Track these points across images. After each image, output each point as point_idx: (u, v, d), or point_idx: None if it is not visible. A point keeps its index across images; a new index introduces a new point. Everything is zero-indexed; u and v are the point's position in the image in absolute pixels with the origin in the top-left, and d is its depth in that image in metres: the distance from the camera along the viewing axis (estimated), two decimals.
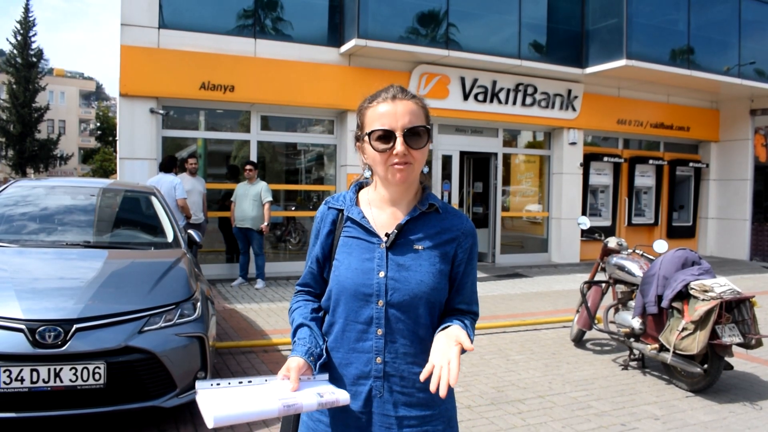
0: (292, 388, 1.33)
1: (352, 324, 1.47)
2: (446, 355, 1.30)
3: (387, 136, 1.43)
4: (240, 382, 1.33)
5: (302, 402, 1.29)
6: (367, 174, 1.56)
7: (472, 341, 1.40)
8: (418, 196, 1.54)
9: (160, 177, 7.35)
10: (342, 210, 1.54)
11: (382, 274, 1.45)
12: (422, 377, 1.30)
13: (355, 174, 1.57)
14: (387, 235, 1.48)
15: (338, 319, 1.50)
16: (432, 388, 1.26)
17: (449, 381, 1.25)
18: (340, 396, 1.35)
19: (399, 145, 1.42)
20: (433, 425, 1.48)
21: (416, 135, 1.44)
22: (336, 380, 1.46)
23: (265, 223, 7.97)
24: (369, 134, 1.45)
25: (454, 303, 1.54)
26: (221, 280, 8.62)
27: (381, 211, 1.52)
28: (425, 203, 1.52)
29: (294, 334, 1.51)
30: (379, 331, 1.45)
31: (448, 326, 1.42)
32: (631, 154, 12.65)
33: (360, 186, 1.61)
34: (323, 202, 1.61)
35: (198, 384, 1.30)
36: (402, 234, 1.49)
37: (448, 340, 1.35)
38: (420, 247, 1.48)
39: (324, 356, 1.48)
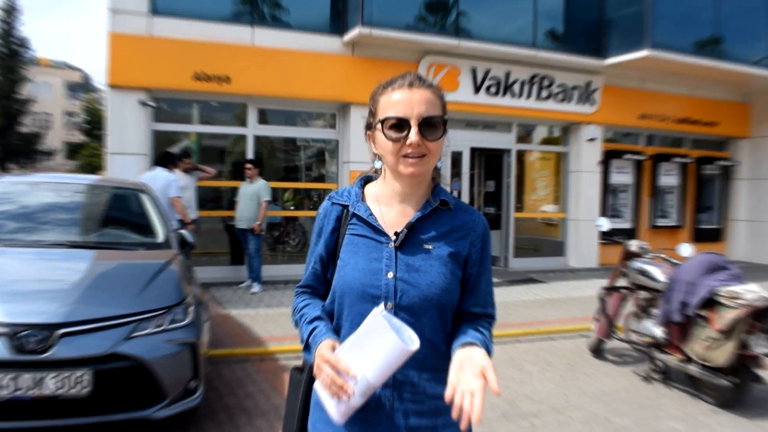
0: (345, 369, 1.33)
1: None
2: (470, 385, 1.25)
3: (401, 124, 1.42)
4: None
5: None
6: (378, 165, 1.54)
7: (491, 353, 1.39)
8: (429, 192, 1.52)
9: (156, 173, 7.35)
10: (347, 206, 1.53)
11: (390, 275, 1.43)
12: (447, 398, 1.26)
13: (359, 171, 1.55)
14: (396, 233, 1.47)
15: (344, 323, 1.48)
16: (454, 414, 1.24)
17: (472, 418, 1.21)
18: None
19: (413, 135, 1.41)
20: None
21: (432, 126, 1.44)
22: None
23: (258, 222, 7.98)
24: (382, 122, 1.44)
25: (468, 305, 1.53)
26: (226, 284, 8.63)
27: (389, 208, 1.51)
28: (436, 199, 1.50)
29: (310, 325, 1.49)
30: None
31: (470, 344, 1.38)
32: (655, 152, 12.59)
33: (366, 180, 1.59)
34: (326, 197, 1.59)
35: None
36: (412, 232, 1.47)
37: (473, 367, 1.29)
38: (430, 247, 1.47)
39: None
